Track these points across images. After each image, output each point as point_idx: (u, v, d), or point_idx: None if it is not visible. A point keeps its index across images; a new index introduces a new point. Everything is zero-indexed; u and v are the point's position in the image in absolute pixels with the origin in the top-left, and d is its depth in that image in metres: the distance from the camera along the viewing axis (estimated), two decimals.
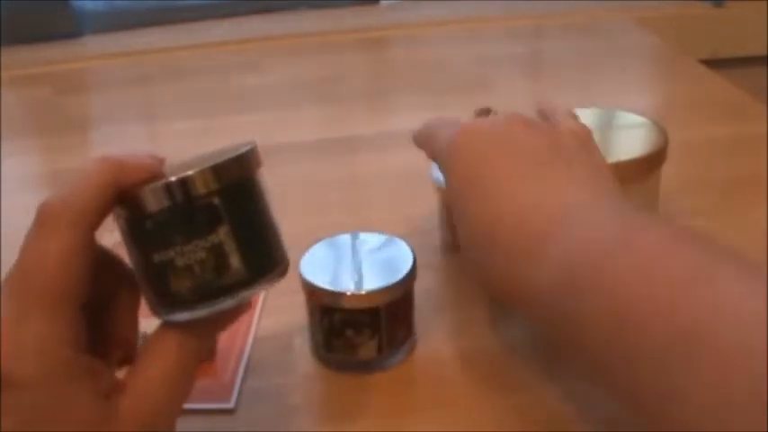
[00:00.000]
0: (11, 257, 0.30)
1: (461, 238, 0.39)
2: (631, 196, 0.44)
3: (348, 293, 0.42)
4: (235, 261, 0.31)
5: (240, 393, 0.43)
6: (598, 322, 0.31)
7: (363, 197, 0.65)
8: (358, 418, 0.42)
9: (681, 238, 0.32)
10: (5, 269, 0.30)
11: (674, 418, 0.28)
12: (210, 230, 0.30)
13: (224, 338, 0.46)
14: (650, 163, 0.48)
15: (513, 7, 1.09)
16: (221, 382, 0.44)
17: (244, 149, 0.32)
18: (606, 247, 0.32)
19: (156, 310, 0.32)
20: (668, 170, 0.51)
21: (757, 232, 0.54)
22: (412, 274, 0.44)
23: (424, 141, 0.45)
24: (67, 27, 1.02)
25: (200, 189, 0.30)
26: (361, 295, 0.42)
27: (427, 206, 0.55)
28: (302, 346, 0.46)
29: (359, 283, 0.43)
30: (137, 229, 0.31)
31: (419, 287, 0.45)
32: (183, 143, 0.73)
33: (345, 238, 0.47)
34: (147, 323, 0.35)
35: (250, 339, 0.47)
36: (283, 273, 0.33)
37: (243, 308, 0.34)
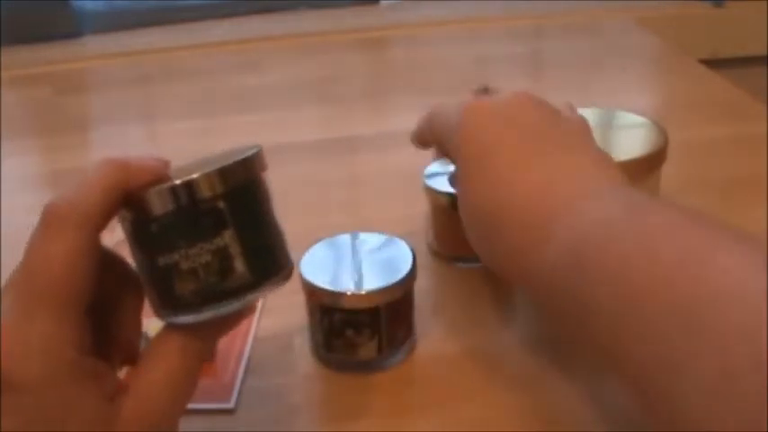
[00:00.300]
0: (11, 257, 0.30)
1: (466, 216, 0.40)
2: None
3: (348, 293, 0.42)
4: (239, 264, 0.31)
5: (240, 393, 0.43)
6: (602, 302, 0.31)
7: (363, 197, 0.65)
8: (358, 418, 0.42)
9: (686, 219, 0.32)
10: (5, 269, 0.30)
11: (673, 394, 0.28)
12: (215, 234, 0.31)
13: (224, 338, 0.46)
14: (650, 163, 0.48)
15: (513, 7, 1.09)
16: (221, 382, 0.43)
17: (249, 153, 0.32)
18: (613, 231, 0.33)
19: (159, 313, 0.32)
20: (668, 170, 0.51)
21: (757, 232, 0.54)
22: (412, 274, 0.44)
23: (428, 128, 0.45)
24: (67, 27, 1.02)
25: (206, 192, 0.30)
26: (361, 295, 0.42)
27: (427, 206, 0.55)
28: (302, 346, 0.46)
29: (359, 283, 0.43)
30: (142, 232, 0.31)
31: (419, 287, 0.45)
32: (182, 143, 0.73)
33: (345, 238, 0.46)
34: (147, 323, 0.35)
35: (250, 339, 0.47)
36: (287, 277, 0.33)
37: (246, 311, 0.34)
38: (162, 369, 0.32)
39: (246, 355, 0.46)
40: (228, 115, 0.80)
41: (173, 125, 0.79)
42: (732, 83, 0.80)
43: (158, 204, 0.30)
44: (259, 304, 0.49)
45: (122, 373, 0.34)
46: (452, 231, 0.49)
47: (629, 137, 0.51)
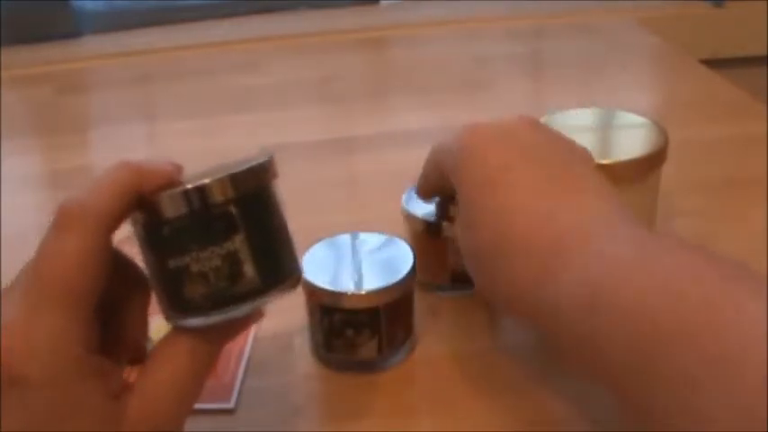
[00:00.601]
0: (11, 257, 0.30)
1: (466, 247, 0.39)
2: (631, 196, 0.44)
3: (348, 293, 0.42)
4: (249, 269, 0.31)
5: (240, 393, 0.43)
6: (618, 344, 0.31)
7: (363, 197, 0.65)
8: (358, 417, 0.42)
9: (699, 260, 0.31)
10: (5, 269, 0.30)
11: None
12: (226, 238, 0.31)
13: None
14: (650, 163, 0.48)
15: (513, 7, 1.09)
16: (221, 382, 0.44)
17: (261, 160, 0.33)
18: (624, 271, 0.32)
19: (168, 315, 0.32)
20: (668, 170, 0.51)
21: (757, 232, 0.54)
22: (412, 275, 0.44)
23: (432, 163, 0.43)
24: (67, 27, 1.02)
25: (218, 197, 0.31)
26: (361, 295, 0.42)
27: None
28: (302, 346, 0.46)
29: (359, 283, 0.43)
30: (153, 235, 0.31)
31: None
32: (182, 143, 0.73)
33: (345, 238, 0.47)
34: (152, 321, 0.35)
35: (250, 339, 0.47)
36: (296, 283, 0.34)
37: (254, 316, 0.34)
38: (168, 370, 0.32)
39: (246, 355, 0.46)
40: (228, 115, 0.80)
41: (173, 125, 0.79)
42: (732, 83, 0.80)
43: (171, 207, 0.31)
44: None
45: (127, 372, 0.34)
46: (431, 258, 0.48)
47: (630, 137, 0.51)
